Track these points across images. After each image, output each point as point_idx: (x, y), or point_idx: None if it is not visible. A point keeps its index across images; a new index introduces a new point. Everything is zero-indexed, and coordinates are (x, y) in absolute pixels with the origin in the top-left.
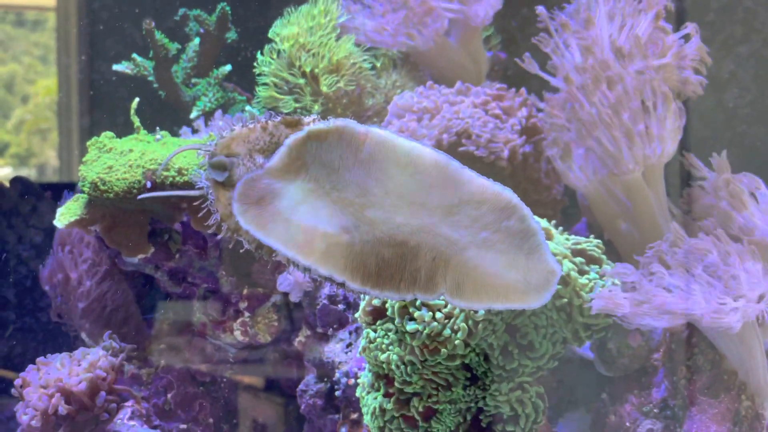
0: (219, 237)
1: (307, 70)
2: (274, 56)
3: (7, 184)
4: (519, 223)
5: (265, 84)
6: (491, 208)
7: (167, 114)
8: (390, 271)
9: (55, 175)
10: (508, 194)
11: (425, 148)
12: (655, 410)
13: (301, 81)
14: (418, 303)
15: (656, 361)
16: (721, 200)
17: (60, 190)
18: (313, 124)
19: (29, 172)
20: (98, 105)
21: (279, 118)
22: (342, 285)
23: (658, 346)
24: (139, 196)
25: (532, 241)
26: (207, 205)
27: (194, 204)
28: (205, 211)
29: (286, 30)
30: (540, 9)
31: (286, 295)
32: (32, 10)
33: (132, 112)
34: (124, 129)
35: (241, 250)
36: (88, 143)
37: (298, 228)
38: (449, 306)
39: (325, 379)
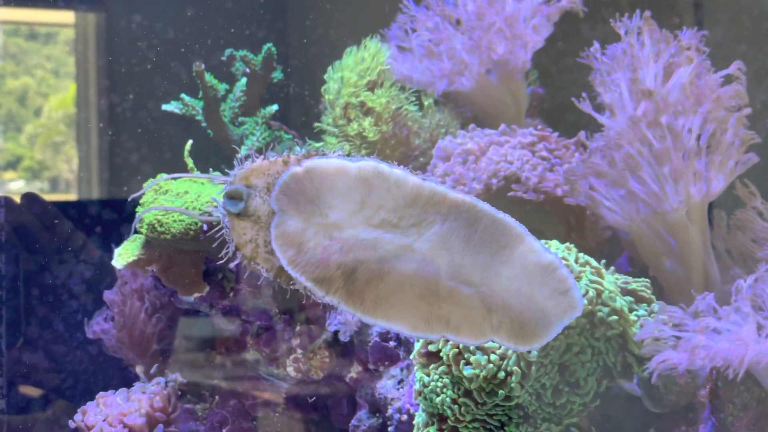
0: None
1: (353, 117)
2: (327, 96)
3: (18, 200)
4: (533, 255)
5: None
6: (504, 240)
7: (210, 150)
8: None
9: (67, 189)
10: (519, 228)
11: (474, 200)
12: None
13: (354, 128)
14: (472, 347)
15: (703, 397)
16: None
17: (76, 207)
18: None
19: (42, 186)
20: (117, 124)
21: (302, 153)
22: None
23: (704, 383)
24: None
25: (557, 275)
26: (222, 234)
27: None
28: (221, 239)
29: (334, 77)
30: (592, 49)
31: (337, 332)
32: (49, 27)
33: (185, 153)
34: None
35: (262, 278)
36: (144, 185)
37: (314, 257)
38: (503, 348)
39: (377, 415)
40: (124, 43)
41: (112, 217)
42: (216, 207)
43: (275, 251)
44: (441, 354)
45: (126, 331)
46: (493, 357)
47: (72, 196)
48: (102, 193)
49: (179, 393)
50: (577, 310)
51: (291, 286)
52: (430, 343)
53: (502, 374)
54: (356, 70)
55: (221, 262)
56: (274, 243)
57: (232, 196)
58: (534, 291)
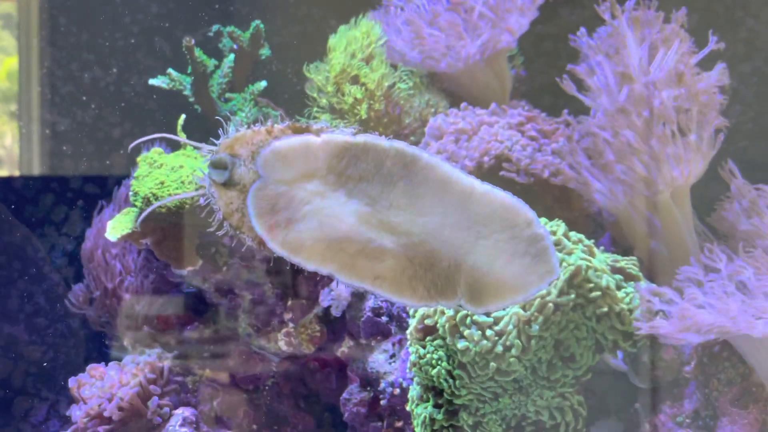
0: (220, 233)
1: (346, 93)
2: (315, 75)
3: None
4: (527, 228)
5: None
6: (497, 214)
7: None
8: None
9: None
10: (515, 202)
11: (464, 173)
12: (687, 420)
13: (348, 101)
14: (468, 321)
15: (688, 373)
16: (747, 219)
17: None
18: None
19: None
20: (59, 101)
21: (287, 123)
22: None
23: (689, 359)
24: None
25: (540, 245)
26: (209, 203)
27: None
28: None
29: (328, 55)
30: (575, 35)
31: (328, 307)
32: None
33: (178, 128)
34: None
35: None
36: (139, 159)
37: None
38: (501, 324)
39: (368, 389)
40: (68, 17)
41: (54, 194)
42: (202, 177)
43: (248, 209)
44: (437, 327)
45: (111, 304)
46: (489, 332)
47: (3, 173)
48: (42, 169)
49: (170, 366)
50: (553, 275)
51: (274, 255)
52: (427, 317)
53: (499, 348)
54: (349, 49)
55: (210, 229)
56: (249, 200)
57: (216, 166)
58: (512, 255)
